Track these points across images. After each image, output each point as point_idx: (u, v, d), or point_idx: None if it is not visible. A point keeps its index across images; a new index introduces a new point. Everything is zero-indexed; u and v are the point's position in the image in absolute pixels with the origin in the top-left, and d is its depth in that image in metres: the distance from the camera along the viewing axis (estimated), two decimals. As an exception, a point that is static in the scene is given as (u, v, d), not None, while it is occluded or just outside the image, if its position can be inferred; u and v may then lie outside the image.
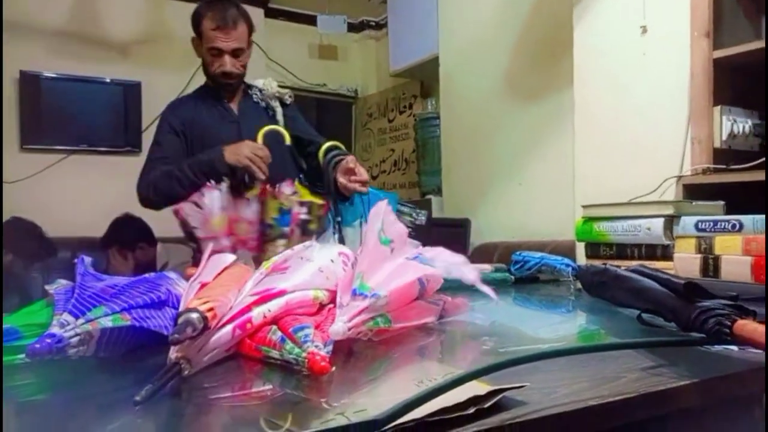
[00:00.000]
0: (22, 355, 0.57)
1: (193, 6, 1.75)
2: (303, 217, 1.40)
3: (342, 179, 1.52)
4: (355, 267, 0.72)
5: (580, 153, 2.14)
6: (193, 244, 1.36)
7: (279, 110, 1.76)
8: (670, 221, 1.18)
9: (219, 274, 0.73)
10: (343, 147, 1.63)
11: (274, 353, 0.60)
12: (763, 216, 0.97)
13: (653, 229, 1.18)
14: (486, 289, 0.80)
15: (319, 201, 1.43)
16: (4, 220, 2.43)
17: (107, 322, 0.60)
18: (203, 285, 0.67)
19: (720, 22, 1.72)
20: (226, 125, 1.71)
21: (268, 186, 1.40)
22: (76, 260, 0.72)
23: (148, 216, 2.69)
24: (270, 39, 4.01)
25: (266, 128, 1.59)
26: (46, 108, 3.34)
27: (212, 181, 1.36)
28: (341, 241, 1.50)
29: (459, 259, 0.83)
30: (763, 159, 1.55)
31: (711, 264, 1.03)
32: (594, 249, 1.32)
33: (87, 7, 3.46)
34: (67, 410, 0.53)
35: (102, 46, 3.50)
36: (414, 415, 0.41)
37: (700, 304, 0.63)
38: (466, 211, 3.05)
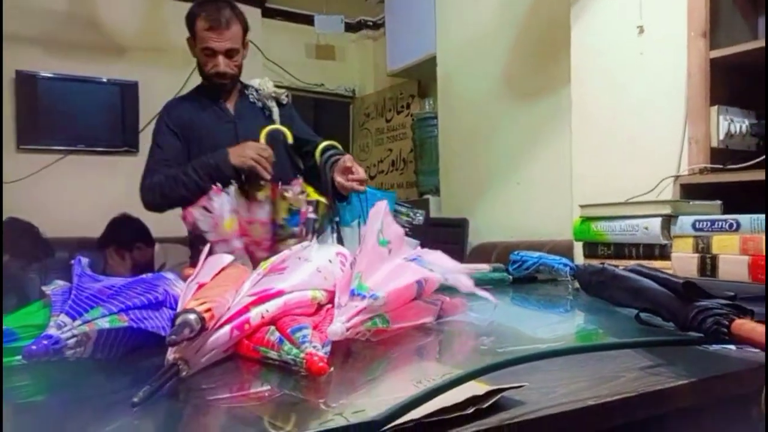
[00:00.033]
0: (19, 357, 0.57)
1: (190, 6, 1.75)
2: (311, 216, 1.44)
3: (339, 178, 1.52)
4: (354, 267, 0.72)
5: (578, 153, 2.15)
6: (202, 246, 1.35)
7: (275, 110, 1.76)
8: (668, 221, 1.18)
9: (217, 274, 0.73)
10: (339, 146, 1.63)
11: (273, 354, 0.59)
12: (761, 215, 0.97)
13: (651, 228, 1.19)
14: (484, 293, 0.81)
15: (324, 200, 1.47)
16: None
17: (104, 324, 0.60)
18: (201, 285, 0.67)
19: (717, 22, 1.72)
20: (223, 126, 1.71)
21: (279, 186, 1.43)
22: (73, 261, 0.72)
23: (146, 216, 2.69)
24: (267, 39, 4.01)
25: (269, 128, 1.61)
26: (42, 108, 3.33)
27: (218, 184, 1.39)
28: (339, 240, 1.50)
29: (457, 266, 0.83)
30: (760, 159, 1.56)
31: (708, 263, 1.03)
32: (592, 248, 1.32)
33: (84, 7, 3.45)
34: (65, 412, 0.53)
35: (99, 46, 3.49)
36: (412, 415, 0.41)
37: (698, 303, 0.63)
38: (464, 210, 3.05)
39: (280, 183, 1.46)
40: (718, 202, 1.28)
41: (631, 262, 1.09)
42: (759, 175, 1.51)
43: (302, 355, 0.56)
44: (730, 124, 1.68)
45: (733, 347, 0.62)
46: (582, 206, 1.40)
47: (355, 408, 0.46)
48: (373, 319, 0.66)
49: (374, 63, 4.53)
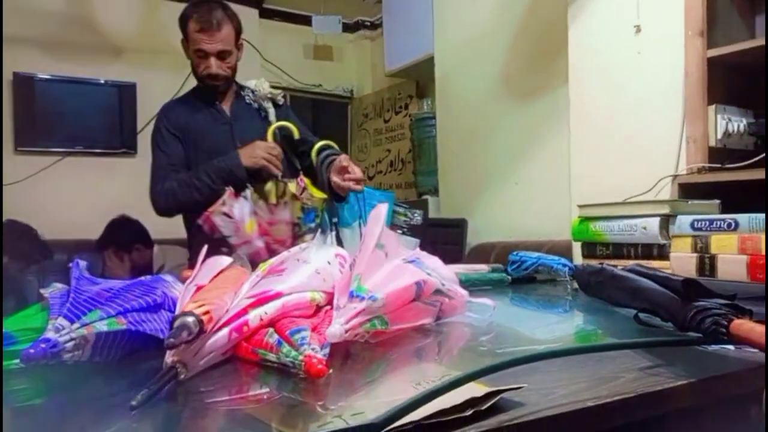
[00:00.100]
0: (17, 360, 0.57)
1: (186, 7, 1.75)
2: (317, 212, 1.50)
3: (336, 178, 1.53)
4: (353, 269, 0.72)
5: (576, 152, 2.15)
6: (225, 248, 1.41)
7: (272, 111, 1.76)
8: (666, 220, 1.18)
9: (215, 276, 0.73)
10: (335, 146, 1.63)
11: (271, 356, 0.59)
12: (759, 215, 0.97)
13: (649, 228, 1.19)
14: (480, 300, 0.81)
15: (324, 196, 1.51)
16: (-1, 223, 2.42)
17: (102, 326, 0.60)
18: (199, 288, 0.67)
19: (714, 21, 1.72)
20: (219, 127, 1.71)
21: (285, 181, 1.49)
22: (71, 264, 0.72)
23: (145, 218, 2.69)
24: (265, 40, 4.01)
25: (275, 125, 1.63)
26: (40, 110, 3.32)
27: (231, 188, 1.45)
28: (338, 242, 1.50)
29: (452, 275, 0.83)
30: (759, 158, 1.56)
31: (707, 263, 1.03)
32: (590, 249, 1.32)
33: (81, 8, 3.45)
34: (63, 415, 0.53)
35: (96, 47, 3.49)
36: (411, 417, 0.41)
37: (697, 303, 0.63)
38: (463, 211, 3.05)
39: (286, 181, 1.52)
40: (717, 201, 1.28)
41: (630, 262, 1.10)
42: (757, 174, 1.51)
43: (301, 357, 0.55)
44: (728, 123, 1.68)
45: (731, 347, 0.62)
46: (580, 206, 1.40)
47: (354, 410, 0.46)
48: (372, 321, 0.66)
49: (372, 63, 4.53)
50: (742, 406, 0.59)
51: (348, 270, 0.75)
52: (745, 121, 1.71)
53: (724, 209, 1.25)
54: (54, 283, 0.70)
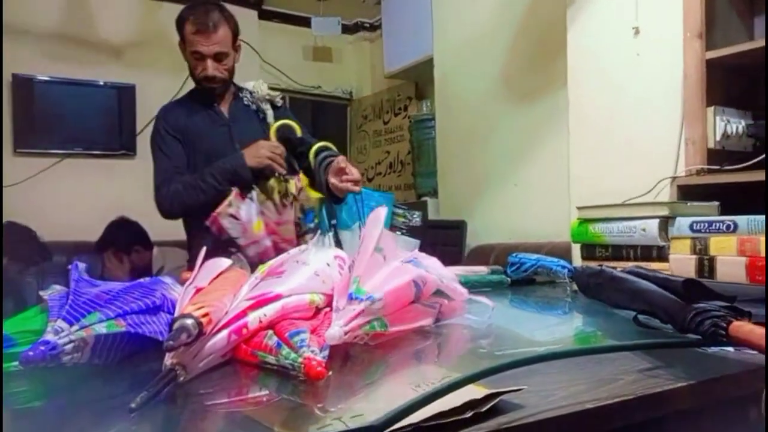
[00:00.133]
0: (16, 363, 0.57)
1: (185, 9, 1.74)
2: (315, 213, 1.55)
3: (334, 180, 1.53)
4: (352, 271, 0.72)
5: (575, 154, 2.15)
6: (233, 249, 1.46)
7: (270, 113, 1.76)
8: (665, 222, 1.18)
9: (214, 278, 0.73)
10: (333, 147, 1.63)
11: (271, 358, 0.59)
12: (758, 216, 0.98)
13: (648, 230, 1.19)
14: (479, 298, 0.81)
15: (320, 196, 1.55)
16: (-2, 225, 2.42)
17: (102, 329, 0.60)
18: (198, 290, 0.67)
19: (712, 23, 1.72)
20: (218, 129, 1.71)
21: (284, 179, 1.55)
22: (70, 266, 0.72)
23: (144, 219, 2.69)
24: (264, 41, 4.01)
25: (277, 124, 1.64)
26: (39, 111, 3.32)
27: (236, 188, 1.48)
28: (338, 243, 1.50)
29: (451, 274, 0.83)
30: (758, 159, 1.56)
31: (706, 265, 1.03)
32: (590, 250, 1.32)
33: (80, 10, 3.44)
34: (62, 417, 0.53)
35: (96, 49, 3.49)
36: (411, 419, 0.41)
37: (696, 305, 0.63)
38: (462, 212, 3.05)
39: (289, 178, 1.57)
40: (716, 203, 1.28)
41: (629, 264, 1.10)
42: (756, 176, 1.51)
43: (300, 359, 0.55)
44: (727, 125, 1.68)
45: (731, 349, 0.62)
46: (579, 208, 1.40)
47: (353, 412, 0.46)
48: (372, 323, 0.66)
49: (371, 65, 4.53)
50: (742, 407, 0.59)
51: (347, 272, 0.75)
52: (743, 123, 1.71)
53: (723, 211, 1.25)
54: (53, 285, 0.70)
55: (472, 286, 1.16)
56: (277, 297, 0.66)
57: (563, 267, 1.23)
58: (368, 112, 4.56)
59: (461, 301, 0.86)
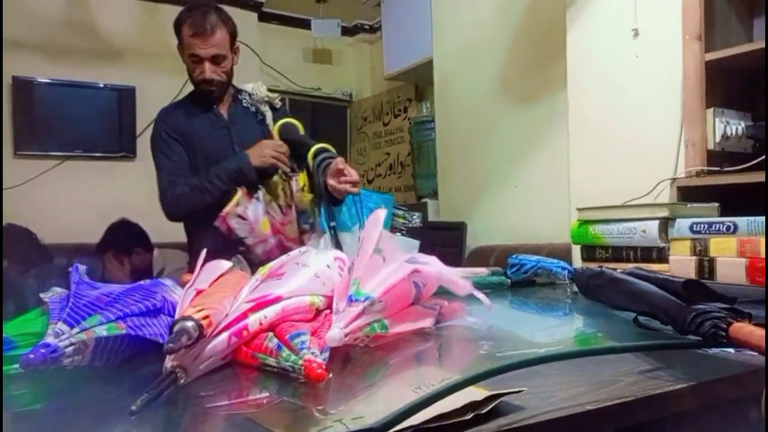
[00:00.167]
0: (17, 365, 0.57)
1: (184, 11, 1.74)
2: (308, 213, 1.58)
3: (332, 181, 1.53)
4: (352, 273, 0.72)
5: (575, 155, 2.15)
6: (242, 247, 1.49)
7: (269, 114, 1.77)
8: (665, 223, 1.18)
9: (215, 281, 0.73)
10: (332, 149, 1.64)
11: (271, 361, 0.59)
12: (758, 218, 0.98)
13: (648, 231, 1.19)
14: (479, 294, 0.80)
15: (310, 196, 1.58)
16: (-2, 227, 2.42)
17: (102, 331, 0.60)
18: (199, 292, 0.67)
19: (711, 24, 1.73)
20: (218, 131, 1.71)
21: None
22: (70, 268, 0.72)
23: (145, 221, 2.69)
24: (264, 43, 4.01)
25: (280, 123, 1.66)
26: (39, 114, 3.33)
27: (244, 187, 1.52)
28: (338, 246, 1.50)
29: (452, 269, 0.83)
30: (757, 161, 1.56)
31: (706, 266, 1.03)
32: (590, 252, 1.32)
33: (80, 12, 3.45)
34: (62, 420, 0.53)
35: (96, 51, 3.49)
36: (411, 421, 0.41)
37: (696, 306, 0.63)
38: (462, 214, 3.05)
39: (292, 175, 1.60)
40: (715, 204, 1.28)
41: (629, 265, 1.10)
42: (755, 177, 1.51)
43: (301, 361, 0.55)
44: (726, 126, 1.68)
45: (731, 350, 0.62)
46: (579, 209, 1.40)
47: (353, 414, 0.46)
48: (372, 325, 0.66)
49: (371, 67, 4.54)
50: (742, 408, 0.59)
51: (347, 274, 0.75)
52: (743, 124, 1.71)
53: (723, 212, 1.25)
54: (54, 287, 0.70)
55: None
56: (278, 299, 0.66)
57: (563, 268, 1.23)
58: (368, 113, 4.57)
59: (461, 303, 0.87)
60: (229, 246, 1.53)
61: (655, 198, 1.81)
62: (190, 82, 1.71)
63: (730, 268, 0.99)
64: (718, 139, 1.67)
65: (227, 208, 1.49)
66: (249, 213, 1.48)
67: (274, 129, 1.66)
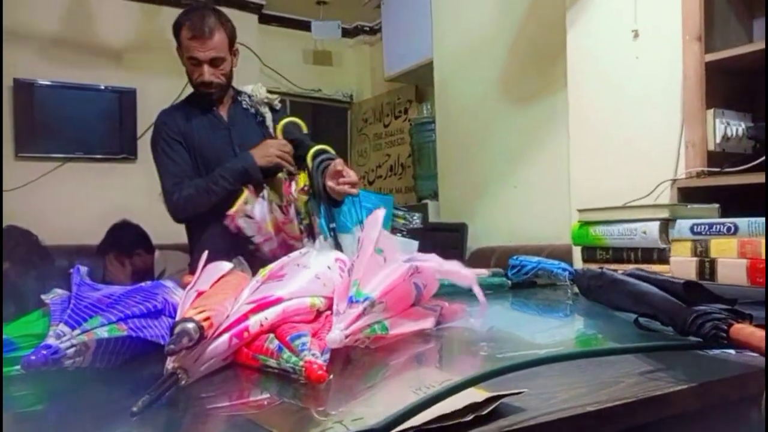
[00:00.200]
0: (18, 367, 0.57)
1: (185, 13, 1.75)
2: (301, 213, 1.58)
3: (331, 183, 1.53)
4: (352, 274, 0.72)
5: (575, 156, 2.15)
6: (251, 246, 1.52)
7: (268, 116, 1.77)
8: (666, 224, 1.18)
9: (216, 282, 0.73)
10: (331, 150, 1.64)
11: (272, 362, 0.59)
12: (758, 219, 0.98)
13: (649, 232, 1.19)
14: (479, 291, 0.80)
15: (303, 196, 1.59)
16: (-2, 229, 2.42)
17: (103, 333, 0.60)
18: (200, 294, 0.67)
19: (711, 25, 1.73)
20: (218, 133, 1.71)
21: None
22: (72, 270, 0.72)
23: (146, 223, 2.69)
24: (264, 45, 4.02)
25: (284, 121, 1.68)
26: (40, 115, 3.33)
27: (251, 186, 1.54)
28: (338, 247, 1.50)
29: (452, 263, 0.83)
30: (758, 161, 1.56)
31: (707, 267, 1.03)
32: (590, 253, 1.32)
33: (81, 14, 3.45)
34: (64, 421, 0.53)
35: (96, 53, 3.50)
36: (412, 423, 0.41)
37: (696, 308, 0.63)
38: (463, 215, 3.05)
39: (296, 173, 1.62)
40: (716, 205, 1.28)
41: (630, 267, 1.10)
42: (756, 178, 1.51)
43: (301, 362, 0.55)
44: (727, 127, 1.68)
45: (732, 351, 0.62)
46: (580, 210, 1.40)
47: (354, 416, 0.46)
48: (372, 326, 0.66)
49: (372, 68, 4.54)
50: (743, 409, 0.59)
51: (347, 275, 0.75)
52: (743, 125, 1.71)
53: (724, 213, 1.26)
54: (55, 289, 0.70)
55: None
56: (278, 300, 0.66)
57: (564, 269, 1.23)
58: (368, 115, 4.57)
59: (462, 304, 0.87)
60: (230, 247, 1.54)
61: (655, 199, 1.81)
62: (190, 84, 1.71)
63: (731, 269, 0.99)
64: (718, 140, 1.67)
65: (235, 208, 1.51)
66: (256, 212, 1.51)
67: (278, 128, 1.67)
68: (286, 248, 1.47)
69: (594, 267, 1.13)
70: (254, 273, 0.79)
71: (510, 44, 2.78)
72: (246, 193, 1.53)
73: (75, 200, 3.33)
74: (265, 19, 4.16)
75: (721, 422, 0.59)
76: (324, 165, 1.57)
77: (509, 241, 2.69)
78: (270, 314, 0.64)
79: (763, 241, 0.95)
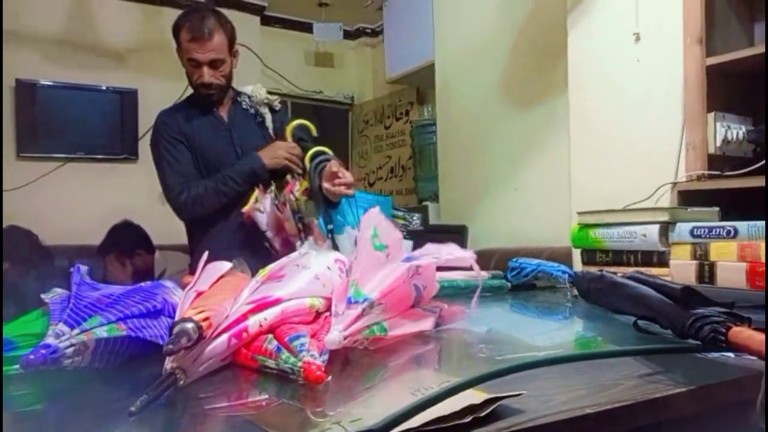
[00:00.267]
0: (17, 366, 0.57)
1: (186, 14, 1.75)
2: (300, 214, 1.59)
3: (326, 184, 1.54)
4: (350, 275, 0.72)
5: (576, 159, 2.15)
6: (266, 243, 1.57)
7: (268, 116, 1.77)
8: (666, 228, 1.18)
9: (215, 282, 0.73)
10: (329, 151, 1.64)
11: (270, 362, 0.59)
12: (758, 222, 0.98)
13: (649, 235, 1.19)
14: (477, 268, 0.80)
15: (302, 197, 1.61)
16: (-1, 229, 2.42)
17: (102, 333, 0.60)
18: (199, 294, 0.67)
19: (712, 29, 1.73)
20: (219, 134, 1.71)
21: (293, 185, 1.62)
22: (72, 269, 0.72)
23: (147, 223, 2.70)
24: (266, 46, 4.02)
25: (294, 123, 1.70)
26: (42, 116, 3.34)
27: (261, 186, 1.58)
28: (335, 249, 1.50)
29: (450, 247, 0.82)
30: (758, 165, 1.56)
31: (707, 270, 1.03)
32: (590, 255, 1.32)
33: (83, 15, 3.46)
34: (62, 421, 0.53)
35: (98, 54, 3.51)
36: (410, 424, 0.41)
37: (695, 311, 0.63)
38: (463, 217, 3.05)
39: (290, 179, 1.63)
40: (716, 208, 1.28)
41: (630, 269, 1.10)
42: (756, 182, 1.51)
43: (300, 363, 0.56)
44: (727, 130, 1.68)
45: (731, 355, 0.62)
46: (580, 213, 1.40)
47: (352, 417, 0.46)
48: (371, 328, 0.66)
49: (373, 70, 4.55)
50: (742, 413, 0.59)
51: (346, 275, 0.75)
52: (744, 129, 1.71)
53: (724, 216, 1.25)
54: (55, 288, 0.70)
55: (473, 290, 1.16)
56: (278, 301, 0.66)
57: (564, 272, 1.23)
58: (370, 116, 4.57)
59: (461, 306, 0.87)
60: (231, 247, 1.54)
61: (655, 202, 1.81)
62: (190, 85, 1.72)
63: (731, 272, 0.99)
64: (718, 144, 1.67)
65: (247, 207, 1.55)
66: (267, 208, 1.56)
67: (288, 130, 1.68)
68: (289, 245, 1.51)
69: (594, 270, 1.13)
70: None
71: (511, 47, 2.78)
72: (256, 192, 1.57)
73: (76, 200, 3.33)
74: (266, 21, 4.16)
75: (719, 425, 0.59)
76: (321, 166, 1.58)
77: (509, 243, 2.69)
78: (269, 315, 0.64)
79: (763, 244, 0.95)
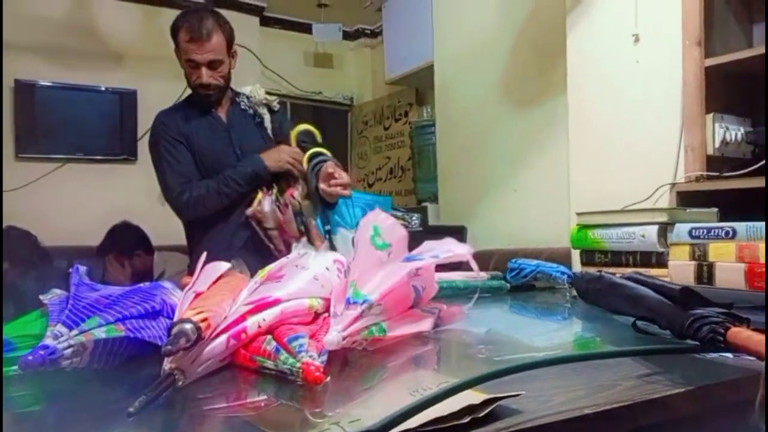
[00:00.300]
0: (16, 367, 0.57)
1: (186, 15, 1.75)
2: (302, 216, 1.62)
3: (323, 185, 1.54)
4: (348, 275, 0.72)
5: (575, 160, 2.15)
6: (270, 244, 1.58)
7: (267, 117, 1.77)
8: (665, 228, 1.18)
9: (214, 283, 0.73)
10: (327, 152, 1.65)
11: (269, 363, 0.59)
12: (756, 223, 0.98)
13: (647, 236, 1.19)
14: (473, 264, 0.80)
15: (301, 199, 1.63)
16: (-2, 229, 2.42)
17: (101, 333, 0.60)
18: (198, 294, 0.67)
19: (711, 30, 1.73)
20: (218, 135, 1.71)
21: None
22: (70, 270, 0.72)
23: (146, 224, 2.70)
24: (265, 47, 4.03)
25: (298, 128, 1.71)
26: (41, 116, 3.34)
27: (264, 188, 1.60)
28: (332, 249, 1.51)
29: (447, 242, 0.82)
30: (757, 166, 1.56)
31: (705, 271, 1.03)
32: (589, 256, 1.32)
33: (82, 16, 3.46)
34: (61, 422, 0.53)
35: (97, 55, 3.50)
36: (409, 424, 0.41)
37: (694, 311, 0.63)
38: (462, 218, 3.05)
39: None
40: (715, 209, 1.28)
41: (629, 270, 1.10)
42: (754, 183, 1.51)
43: (299, 364, 0.56)
44: (726, 131, 1.68)
45: (730, 355, 0.62)
46: (579, 214, 1.40)
47: (351, 417, 0.46)
48: (370, 328, 0.66)
49: (372, 71, 4.55)
50: (741, 413, 0.59)
51: (345, 276, 0.75)
52: (742, 130, 1.72)
53: (722, 217, 1.25)
54: (53, 289, 0.70)
55: (472, 291, 1.16)
56: (276, 302, 0.66)
57: (563, 273, 1.23)
58: (369, 117, 4.58)
59: (460, 307, 0.87)
60: (231, 248, 1.55)
61: (654, 202, 1.81)
62: (188, 86, 1.72)
63: (729, 273, 0.99)
64: (717, 145, 1.68)
65: (251, 209, 1.58)
66: (266, 208, 1.58)
67: (292, 135, 1.69)
68: (289, 247, 1.52)
69: (592, 270, 1.13)
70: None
71: (510, 48, 2.78)
72: (260, 195, 1.59)
73: (75, 201, 3.33)
74: (266, 22, 4.17)
75: (718, 425, 0.59)
76: (318, 167, 1.58)
77: (508, 244, 2.69)
78: (268, 315, 0.64)
79: (762, 245, 0.95)
